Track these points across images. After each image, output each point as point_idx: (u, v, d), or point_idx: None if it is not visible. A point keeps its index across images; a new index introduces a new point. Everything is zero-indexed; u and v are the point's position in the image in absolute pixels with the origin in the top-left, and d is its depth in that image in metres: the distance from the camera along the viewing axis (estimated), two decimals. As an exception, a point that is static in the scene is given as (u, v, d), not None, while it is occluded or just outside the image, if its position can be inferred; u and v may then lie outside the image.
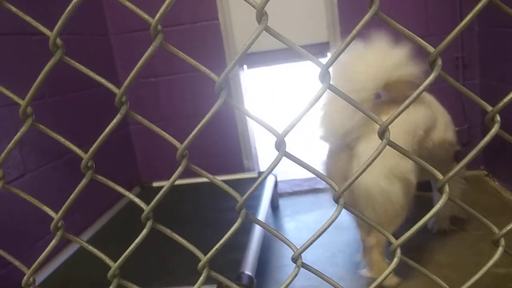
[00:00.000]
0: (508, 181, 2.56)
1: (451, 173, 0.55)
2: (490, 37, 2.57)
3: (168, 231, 0.61)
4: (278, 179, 2.88)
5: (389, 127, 0.55)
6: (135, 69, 0.52)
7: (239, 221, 0.57)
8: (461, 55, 2.73)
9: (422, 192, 1.99)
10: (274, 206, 2.87)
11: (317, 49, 2.84)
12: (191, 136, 0.55)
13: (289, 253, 0.61)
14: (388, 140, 0.54)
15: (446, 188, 0.56)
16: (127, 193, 0.61)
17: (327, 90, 0.54)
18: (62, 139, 0.59)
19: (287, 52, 2.82)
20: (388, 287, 1.79)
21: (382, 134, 0.55)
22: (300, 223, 2.61)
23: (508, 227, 0.56)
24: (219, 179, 2.30)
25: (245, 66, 3.03)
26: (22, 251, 1.84)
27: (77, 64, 0.56)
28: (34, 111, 0.61)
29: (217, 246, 0.59)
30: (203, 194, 2.58)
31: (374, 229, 1.64)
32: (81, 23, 2.55)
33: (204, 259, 0.60)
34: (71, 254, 1.98)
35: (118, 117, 0.55)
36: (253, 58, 2.91)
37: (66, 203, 0.60)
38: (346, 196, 1.74)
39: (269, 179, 2.73)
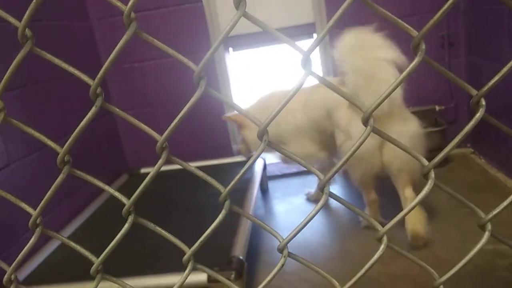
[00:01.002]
0: (494, 158, 2.59)
1: (435, 159, 0.54)
2: (475, 15, 2.56)
3: (151, 225, 0.59)
4: (267, 162, 2.88)
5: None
6: (109, 60, 0.50)
7: (223, 212, 0.56)
8: (446, 33, 2.72)
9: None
10: (264, 189, 2.87)
11: (303, 30, 2.81)
12: (170, 127, 0.53)
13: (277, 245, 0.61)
14: (372, 127, 0.53)
15: (432, 174, 0.55)
16: (106, 187, 0.59)
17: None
18: (36, 134, 0.57)
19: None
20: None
21: (366, 121, 0.54)
22: (290, 205, 2.62)
23: (494, 212, 0.56)
24: (208, 163, 2.29)
25: (230, 49, 2.99)
26: (7, 245, 1.81)
27: (48, 55, 0.54)
28: (15, 101, 0.59)
29: (201, 238, 0.57)
30: (190, 180, 2.57)
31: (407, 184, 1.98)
32: (62, 8, 2.48)
33: (188, 252, 0.59)
34: (56, 247, 1.95)
35: (93, 109, 0.53)
36: (238, 40, 2.87)
37: (44, 199, 0.58)
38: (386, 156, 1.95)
39: (258, 162, 2.72)
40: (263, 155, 2.84)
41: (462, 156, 2.86)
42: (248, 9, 0.51)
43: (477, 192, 2.30)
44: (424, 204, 2.25)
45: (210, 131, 3.00)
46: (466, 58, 2.77)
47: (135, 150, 3.06)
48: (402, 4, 2.69)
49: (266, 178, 2.90)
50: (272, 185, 2.95)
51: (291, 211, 2.53)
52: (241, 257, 1.64)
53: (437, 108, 2.83)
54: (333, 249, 2.08)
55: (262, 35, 2.82)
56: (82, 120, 0.56)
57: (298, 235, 0.59)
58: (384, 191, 2.64)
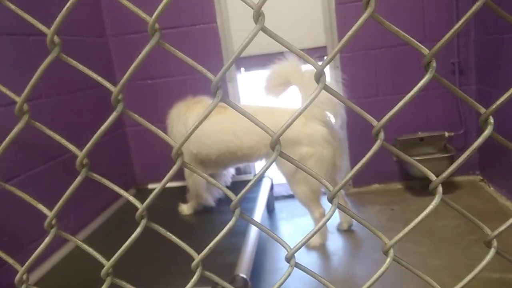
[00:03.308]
0: (503, 186, 2.57)
1: (443, 175, 0.55)
2: (486, 43, 2.59)
3: (162, 230, 0.61)
4: (274, 182, 2.88)
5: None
6: (132, 67, 0.52)
7: (233, 220, 0.58)
8: (457, 60, 2.74)
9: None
10: (270, 209, 2.87)
11: (315, 53, 2.86)
12: (187, 134, 0.55)
13: (284, 256, 0.61)
14: (382, 140, 0.55)
15: (439, 189, 0.56)
16: (121, 191, 0.61)
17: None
18: (57, 137, 0.59)
19: (284, 56, 2.83)
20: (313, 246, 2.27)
21: (377, 134, 0.55)
22: (296, 226, 2.61)
23: (501, 229, 0.56)
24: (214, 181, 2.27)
25: (242, 69, 3.04)
26: (17, 251, 1.83)
27: (74, 61, 0.56)
28: (31, 111, 0.61)
29: (210, 245, 0.59)
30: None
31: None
32: (79, 24, 2.55)
33: (197, 257, 0.60)
34: (65, 253, 1.98)
35: (114, 115, 0.55)
36: (250, 61, 2.92)
37: (61, 201, 0.60)
38: None
39: (265, 182, 2.72)
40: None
41: (470, 184, 2.84)
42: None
43: (485, 220, 2.25)
44: (431, 231, 2.24)
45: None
46: (476, 86, 2.79)
47: (144, 166, 3.09)
48: (413, 31, 2.73)
49: (272, 198, 2.90)
50: (278, 206, 2.95)
51: (297, 232, 2.52)
52: (245, 276, 1.63)
53: (446, 134, 2.84)
54: (337, 271, 2.06)
55: (273, 57, 2.86)
56: (95, 132, 0.58)
57: (303, 256, 0.59)
58: (386, 212, 2.62)
